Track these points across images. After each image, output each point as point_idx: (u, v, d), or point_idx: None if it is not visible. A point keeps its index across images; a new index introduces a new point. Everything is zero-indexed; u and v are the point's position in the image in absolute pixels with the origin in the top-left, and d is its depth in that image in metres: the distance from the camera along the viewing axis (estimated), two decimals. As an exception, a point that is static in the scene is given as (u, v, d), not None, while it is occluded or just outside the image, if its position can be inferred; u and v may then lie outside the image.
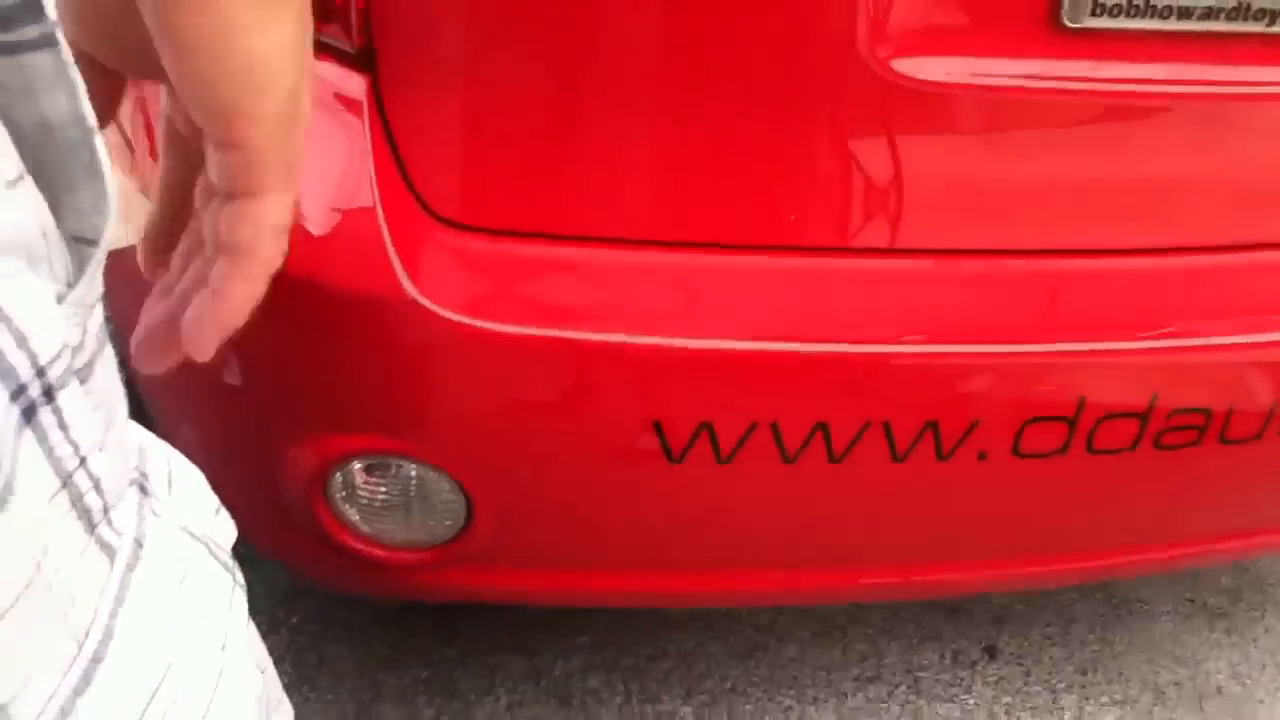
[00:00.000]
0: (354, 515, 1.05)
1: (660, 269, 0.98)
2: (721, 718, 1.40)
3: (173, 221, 0.46)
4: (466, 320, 0.95)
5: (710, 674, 1.46)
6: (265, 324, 0.99)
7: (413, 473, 1.02)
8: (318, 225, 0.97)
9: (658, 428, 1.00)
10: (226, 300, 0.42)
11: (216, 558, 0.45)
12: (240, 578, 0.47)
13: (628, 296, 0.99)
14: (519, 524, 1.05)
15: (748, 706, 1.42)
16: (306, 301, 0.96)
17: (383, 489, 1.03)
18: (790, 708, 1.43)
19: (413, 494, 1.03)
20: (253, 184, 0.41)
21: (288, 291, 0.92)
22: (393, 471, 1.02)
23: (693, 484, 1.03)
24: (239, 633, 0.45)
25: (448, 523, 1.05)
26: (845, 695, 1.46)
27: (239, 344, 1.08)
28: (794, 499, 1.07)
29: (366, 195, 0.97)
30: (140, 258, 0.47)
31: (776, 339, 1.00)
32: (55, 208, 0.35)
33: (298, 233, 0.97)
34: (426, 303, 0.94)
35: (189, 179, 0.45)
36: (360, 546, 1.07)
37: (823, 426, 1.01)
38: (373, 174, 0.97)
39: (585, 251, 0.99)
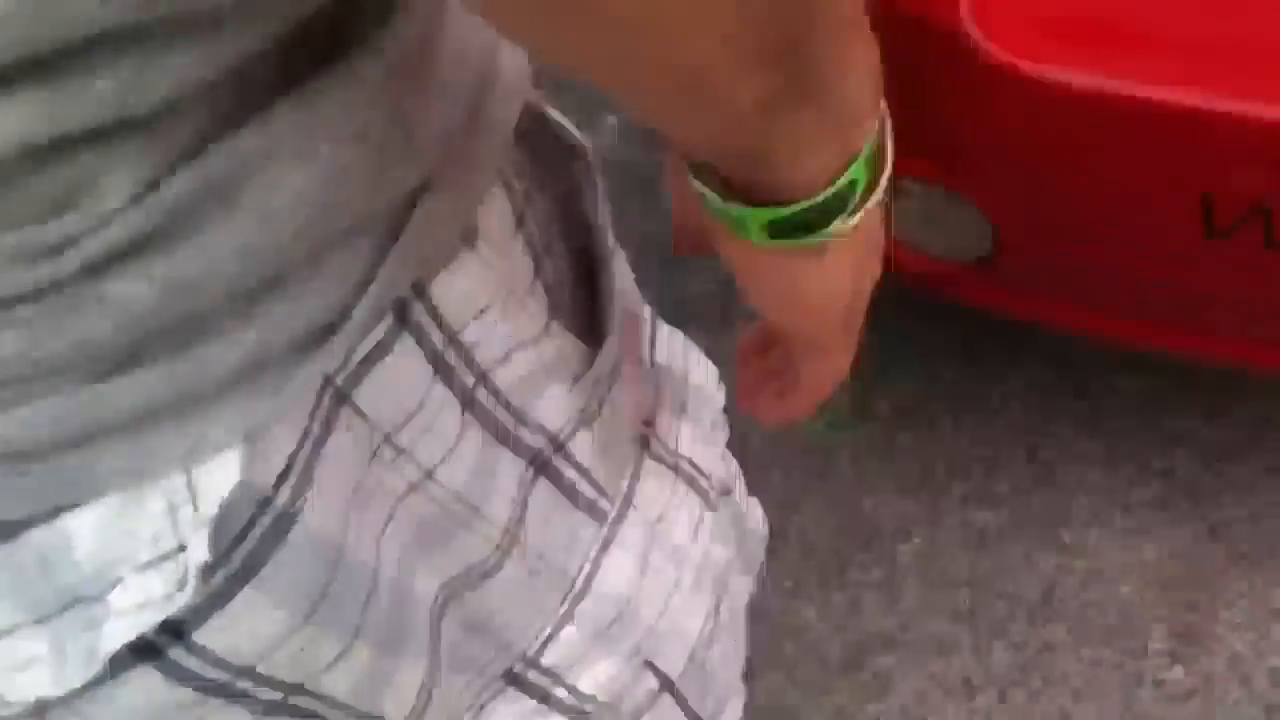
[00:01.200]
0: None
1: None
2: (1242, 445, 1.37)
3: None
4: (1020, 63, 0.94)
5: (1244, 402, 1.41)
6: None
7: (943, 196, 1.08)
8: None
9: (1205, 201, 0.96)
10: (786, 410, 0.52)
11: (694, 486, 0.58)
12: (712, 498, 0.59)
13: (1196, 51, 0.92)
14: (1037, 264, 1.09)
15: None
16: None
17: (917, 205, 1.11)
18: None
19: (940, 215, 1.10)
20: (816, 354, 0.48)
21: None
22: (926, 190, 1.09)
23: (1227, 261, 0.99)
24: (703, 540, 0.58)
25: (972, 246, 1.11)
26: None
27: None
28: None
29: None
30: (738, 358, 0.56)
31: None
32: None
33: None
34: (979, 37, 0.95)
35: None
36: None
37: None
38: None
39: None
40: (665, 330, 0.60)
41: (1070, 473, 1.40)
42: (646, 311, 0.58)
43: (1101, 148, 0.97)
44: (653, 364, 0.57)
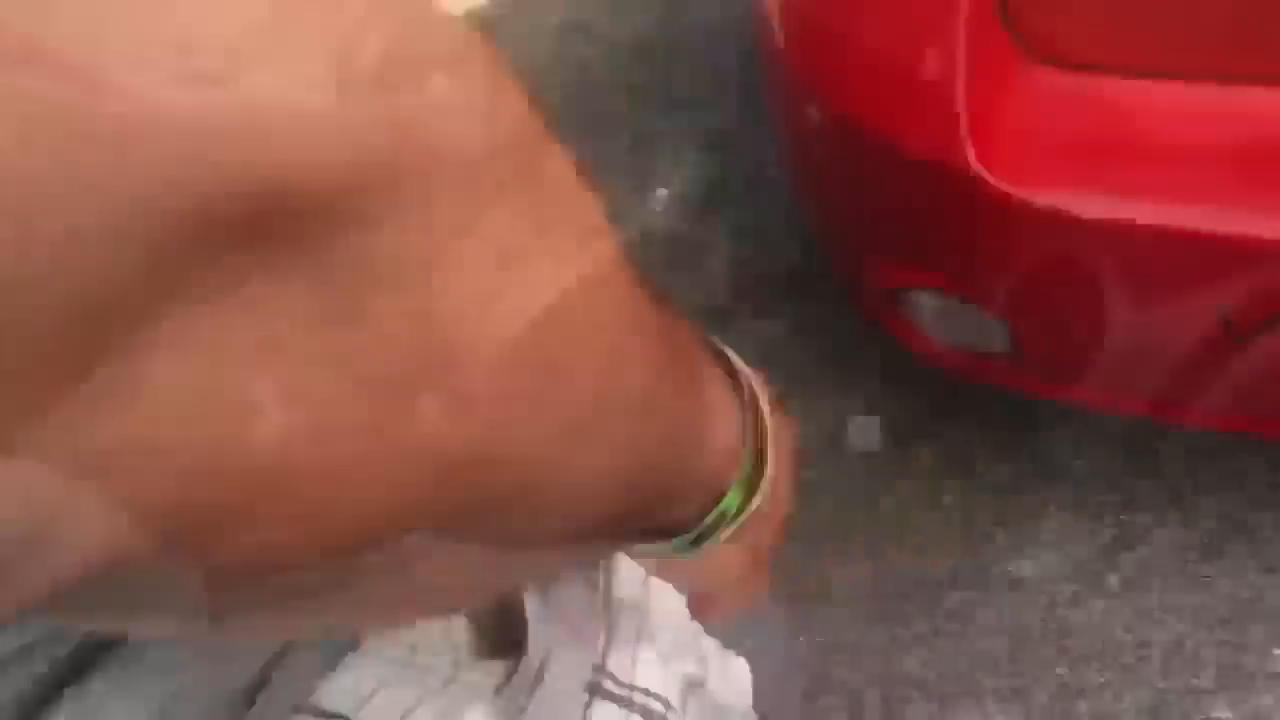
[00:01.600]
0: (918, 320, 1.22)
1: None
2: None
3: None
4: (1026, 197, 0.97)
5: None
6: (855, 165, 1.13)
7: (961, 304, 1.14)
8: (895, 81, 1.02)
9: (1221, 313, 1.00)
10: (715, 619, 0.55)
11: (647, 713, 0.57)
12: (671, 717, 0.59)
13: (1201, 169, 0.95)
14: (1058, 359, 1.15)
15: None
16: (883, 152, 1.05)
17: (937, 310, 1.17)
18: None
19: (961, 319, 1.16)
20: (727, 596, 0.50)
21: (869, 141, 1.04)
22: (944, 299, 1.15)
23: (1251, 358, 1.04)
24: None
25: (993, 344, 1.17)
26: None
27: (840, 179, 1.22)
28: None
29: (949, 47, 0.99)
30: None
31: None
32: None
33: (875, 82, 1.05)
34: (987, 175, 0.98)
35: None
36: (917, 342, 1.24)
37: None
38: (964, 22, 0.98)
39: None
40: (627, 568, 0.61)
41: (1120, 519, 1.46)
42: (602, 574, 0.60)
43: (1110, 270, 1.01)
44: (608, 603, 0.59)
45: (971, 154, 1.00)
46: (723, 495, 0.39)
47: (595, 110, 1.85)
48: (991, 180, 0.99)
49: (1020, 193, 0.99)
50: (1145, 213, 0.95)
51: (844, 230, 1.24)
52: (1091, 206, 0.97)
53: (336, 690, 0.41)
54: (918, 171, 1.03)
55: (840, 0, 1.08)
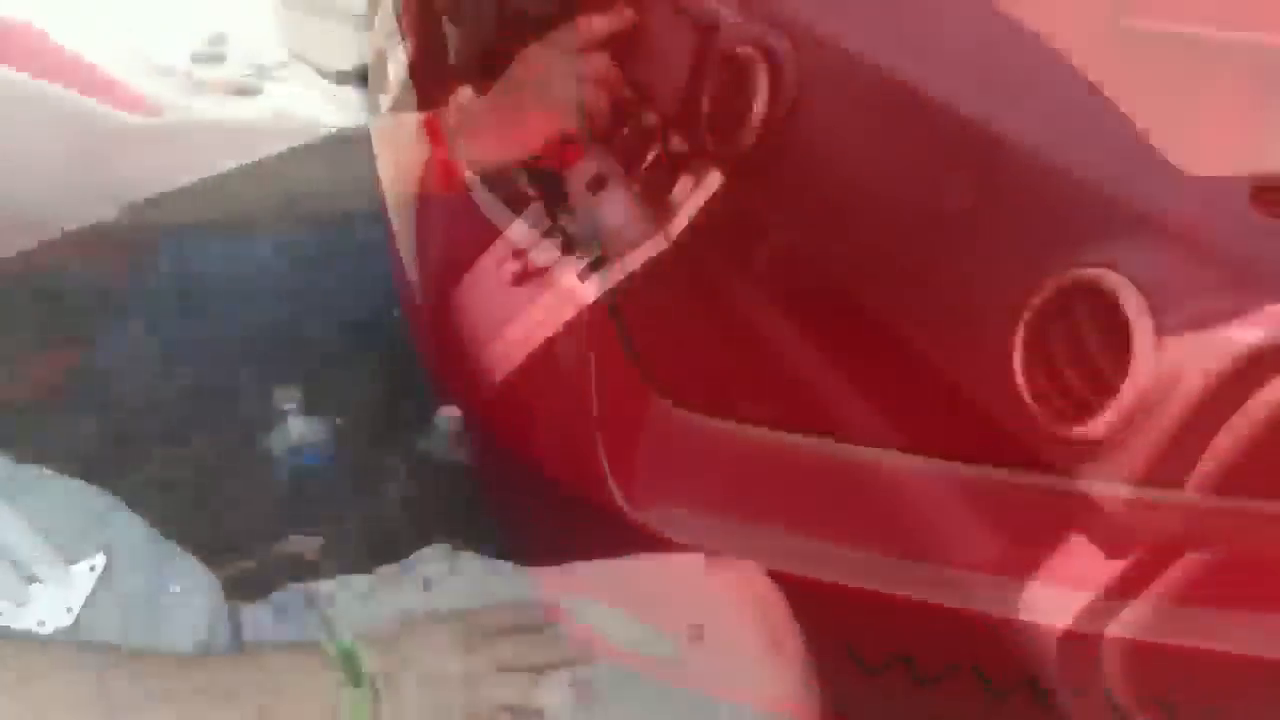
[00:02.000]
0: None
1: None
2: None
3: None
4: (666, 532, 0.97)
5: None
6: (512, 492, 1.08)
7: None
8: (547, 422, 1.01)
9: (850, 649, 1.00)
10: None
11: None
12: None
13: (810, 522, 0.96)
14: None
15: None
16: (532, 481, 1.03)
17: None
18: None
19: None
20: None
21: (526, 473, 1.00)
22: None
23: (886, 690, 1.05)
24: None
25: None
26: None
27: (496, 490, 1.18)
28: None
29: (587, 388, 0.99)
30: None
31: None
32: None
33: (528, 421, 1.01)
34: (629, 509, 0.98)
35: None
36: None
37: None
38: (594, 364, 0.99)
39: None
40: None
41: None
42: None
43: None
44: None
45: (615, 489, 0.98)
46: None
47: (259, 325, 1.69)
48: (632, 513, 0.98)
49: (659, 527, 0.98)
50: (761, 553, 0.94)
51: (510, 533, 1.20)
52: (723, 545, 0.96)
53: None
54: (567, 501, 1.01)
55: (476, 338, 1.06)
